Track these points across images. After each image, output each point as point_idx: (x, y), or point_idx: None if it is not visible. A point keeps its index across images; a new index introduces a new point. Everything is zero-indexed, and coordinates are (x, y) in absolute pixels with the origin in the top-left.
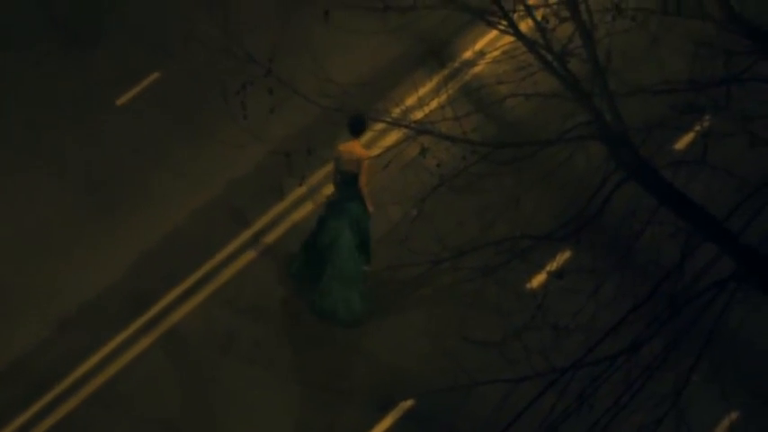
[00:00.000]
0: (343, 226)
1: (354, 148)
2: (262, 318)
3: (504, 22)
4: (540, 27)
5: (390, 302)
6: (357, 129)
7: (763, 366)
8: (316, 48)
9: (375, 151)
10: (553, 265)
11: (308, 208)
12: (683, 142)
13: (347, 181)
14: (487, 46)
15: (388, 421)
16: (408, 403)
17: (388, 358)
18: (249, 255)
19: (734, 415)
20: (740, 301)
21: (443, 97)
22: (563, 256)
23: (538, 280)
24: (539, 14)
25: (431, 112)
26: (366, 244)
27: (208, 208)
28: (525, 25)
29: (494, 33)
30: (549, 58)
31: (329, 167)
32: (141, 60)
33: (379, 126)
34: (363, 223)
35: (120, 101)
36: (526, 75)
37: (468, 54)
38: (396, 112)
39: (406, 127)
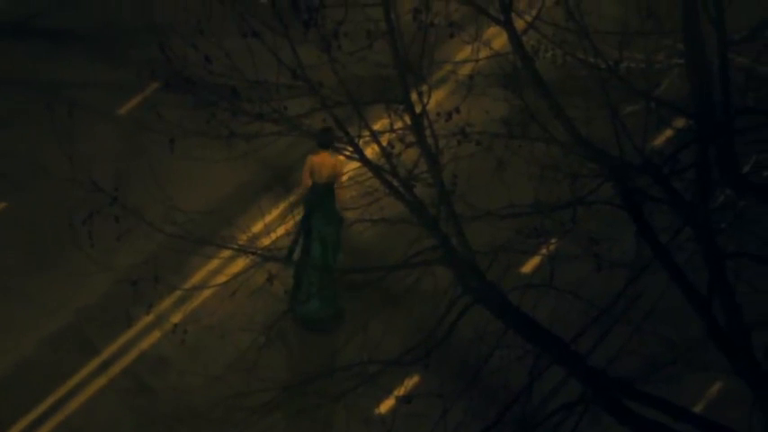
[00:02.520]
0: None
1: (325, 158)
2: None
3: (350, 148)
4: (385, 152)
5: (239, 430)
6: (325, 141)
7: None
8: (162, 176)
9: (223, 278)
10: (402, 390)
11: (155, 336)
12: (529, 265)
13: (320, 192)
14: None
15: None
16: None
17: None
18: (98, 383)
19: None
20: (589, 423)
21: (290, 224)
22: (411, 381)
23: (386, 405)
24: (384, 140)
25: (278, 238)
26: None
27: (56, 337)
28: (371, 151)
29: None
30: (395, 183)
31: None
32: None
33: (226, 253)
34: (334, 244)
35: None
36: (372, 200)
37: None
38: (242, 239)
39: (252, 254)
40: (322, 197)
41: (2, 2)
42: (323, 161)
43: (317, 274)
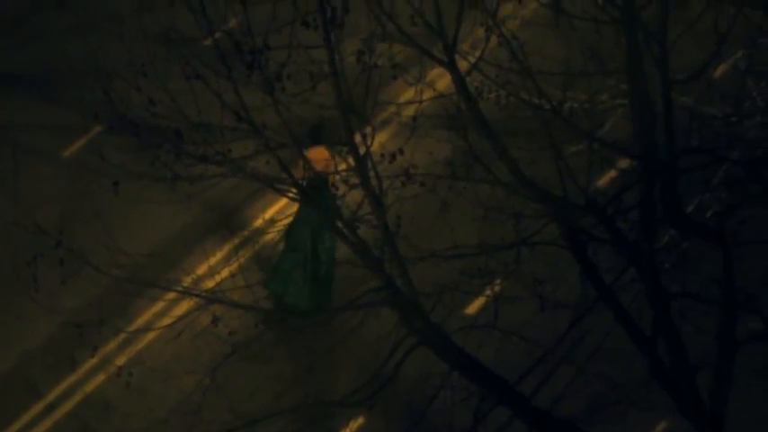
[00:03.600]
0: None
1: (319, 153)
2: None
3: (294, 190)
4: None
5: None
6: (319, 135)
7: None
8: (106, 218)
9: (167, 321)
10: (347, 431)
11: (100, 378)
12: (473, 306)
13: (315, 186)
14: (278, 214)
15: None
16: None
17: None
18: (42, 426)
19: None
20: None
21: (234, 266)
22: (356, 423)
23: None
24: None
25: (222, 280)
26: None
27: (0, 380)
28: None
29: (284, 201)
30: (340, 224)
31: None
32: None
33: (171, 296)
34: (329, 237)
35: None
36: None
37: (258, 222)
38: (187, 281)
39: (197, 296)
40: (318, 190)
41: None
42: (317, 156)
43: (308, 266)
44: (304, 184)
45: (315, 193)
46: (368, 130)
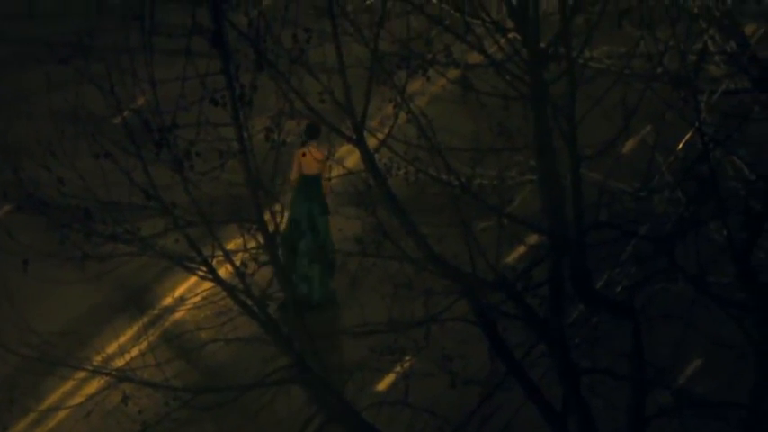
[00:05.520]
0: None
1: (313, 151)
2: None
3: (204, 268)
4: (239, 272)
5: None
6: (314, 134)
7: None
8: (16, 297)
9: (78, 399)
10: None
11: None
12: (384, 383)
13: (312, 183)
14: (187, 292)
15: None
16: None
17: None
18: None
19: None
20: None
21: (144, 344)
22: None
23: None
24: (238, 259)
25: (132, 359)
26: (327, 251)
27: None
28: (225, 270)
29: (193, 279)
30: (249, 302)
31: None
32: None
33: (81, 374)
34: (323, 227)
35: None
36: (227, 319)
37: (168, 300)
38: (97, 359)
39: (107, 375)
40: (314, 187)
41: None
42: (311, 154)
43: (307, 260)
44: (304, 180)
45: (313, 189)
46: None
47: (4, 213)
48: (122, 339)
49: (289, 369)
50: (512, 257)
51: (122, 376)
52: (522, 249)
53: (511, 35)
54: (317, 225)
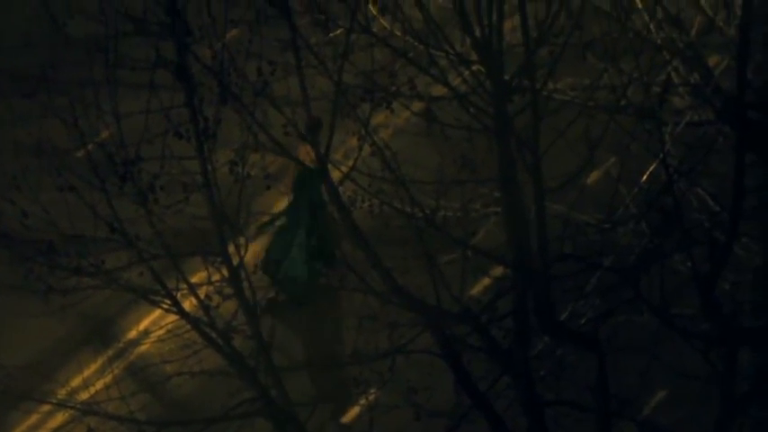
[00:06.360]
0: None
1: (309, 150)
2: None
3: (168, 301)
4: (203, 305)
5: None
6: (314, 128)
7: None
8: None
9: None
10: None
11: None
12: (349, 415)
13: (315, 176)
14: (152, 325)
15: None
16: None
17: None
18: None
19: None
20: None
21: (109, 377)
22: None
23: None
24: (202, 292)
25: (97, 392)
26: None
27: None
28: (189, 303)
29: (158, 312)
30: (214, 335)
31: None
32: None
33: (46, 408)
34: (323, 218)
35: None
36: (191, 352)
37: (132, 333)
38: (61, 393)
39: (72, 408)
40: (317, 180)
41: None
42: (308, 153)
43: (305, 252)
44: (300, 173)
45: (317, 181)
46: (241, 240)
47: None
48: (87, 373)
49: (254, 402)
50: (476, 290)
51: (87, 410)
52: (486, 281)
53: (475, 67)
54: (317, 215)
